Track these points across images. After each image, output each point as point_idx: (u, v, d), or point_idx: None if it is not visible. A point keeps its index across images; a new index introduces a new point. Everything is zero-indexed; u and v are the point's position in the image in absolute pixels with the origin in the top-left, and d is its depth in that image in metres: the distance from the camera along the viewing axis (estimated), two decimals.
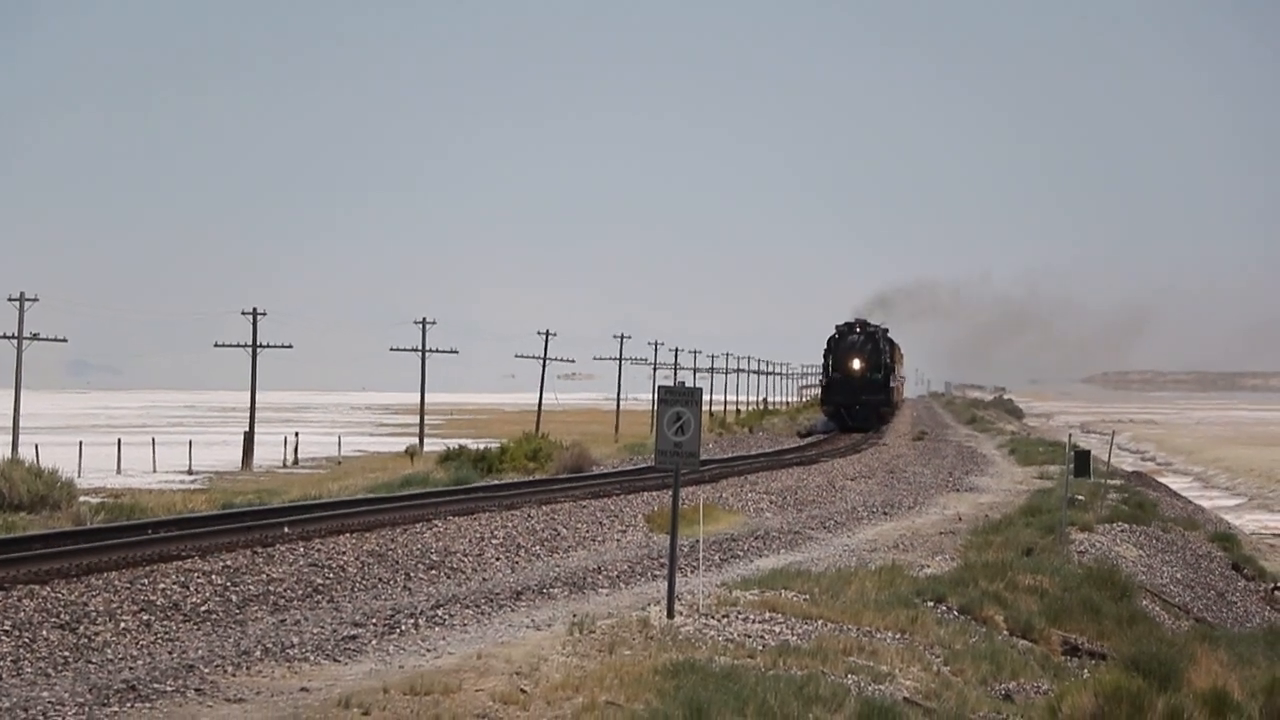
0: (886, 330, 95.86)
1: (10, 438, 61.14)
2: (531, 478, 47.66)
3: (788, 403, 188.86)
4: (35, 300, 63.87)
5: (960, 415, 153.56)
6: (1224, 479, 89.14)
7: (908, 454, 69.53)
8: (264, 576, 23.99)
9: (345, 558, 26.25)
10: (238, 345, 74.94)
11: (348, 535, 28.77)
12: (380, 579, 25.14)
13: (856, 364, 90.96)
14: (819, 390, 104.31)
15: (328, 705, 15.28)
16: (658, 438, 20.67)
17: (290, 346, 77.50)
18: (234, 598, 22.38)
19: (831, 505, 42.40)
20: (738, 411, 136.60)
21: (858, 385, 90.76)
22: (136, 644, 19.27)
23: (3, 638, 18.85)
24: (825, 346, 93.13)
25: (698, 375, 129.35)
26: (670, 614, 20.40)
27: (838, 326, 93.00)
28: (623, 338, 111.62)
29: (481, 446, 58.10)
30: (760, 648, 18.89)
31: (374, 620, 20.77)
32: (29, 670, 17.53)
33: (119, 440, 74.94)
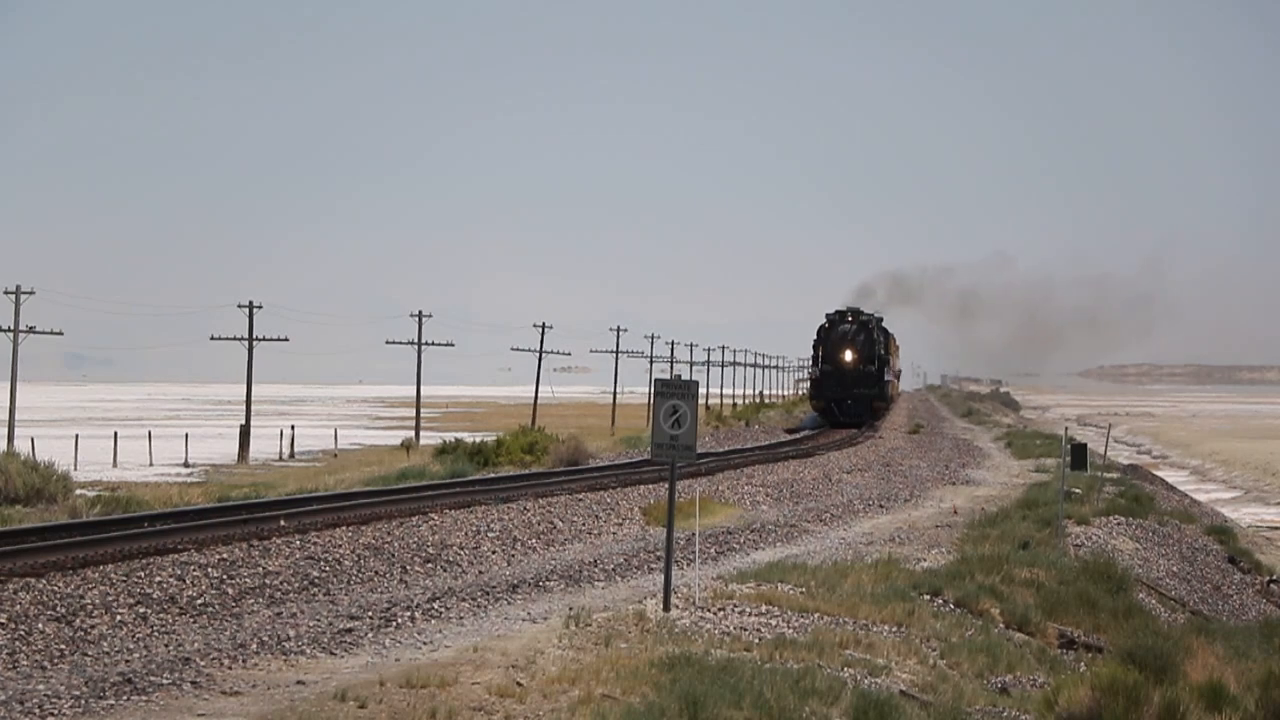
0: (881, 319, 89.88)
1: (6, 430, 61.09)
2: (528, 471, 47.64)
3: (784, 396, 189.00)
4: (31, 293, 63.80)
5: (957, 408, 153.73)
6: (1220, 472, 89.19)
7: (904, 447, 69.54)
8: (260, 569, 23.99)
9: (341, 551, 26.24)
10: (234, 338, 74.90)
11: (344, 528, 28.76)
12: (376, 572, 25.14)
13: (848, 355, 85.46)
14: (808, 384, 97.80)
15: (324, 698, 15.27)
16: (654, 431, 20.67)
17: (286, 339, 77.47)
18: (230, 591, 22.37)
19: (827, 498, 42.41)
20: (734, 404, 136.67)
21: (849, 378, 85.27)
22: (132, 637, 19.26)
23: None
24: (815, 337, 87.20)
25: (694, 368, 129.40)
26: (666, 607, 20.40)
27: (828, 315, 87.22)
28: (619, 330, 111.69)
29: (478, 439, 58.08)
30: (756, 641, 18.90)
31: (370, 613, 20.76)
32: (25, 663, 17.52)
33: (115, 433, 74.88)
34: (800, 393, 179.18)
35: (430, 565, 26.28)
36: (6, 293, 63.21)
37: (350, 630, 19.47)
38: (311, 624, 20.05)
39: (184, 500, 37.87)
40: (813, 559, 27.57)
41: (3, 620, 19.25)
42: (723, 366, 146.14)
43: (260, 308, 74.74)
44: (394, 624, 20.04)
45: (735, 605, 21.15)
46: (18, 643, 18.36)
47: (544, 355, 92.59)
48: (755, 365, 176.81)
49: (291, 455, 74.98)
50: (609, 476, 42.87)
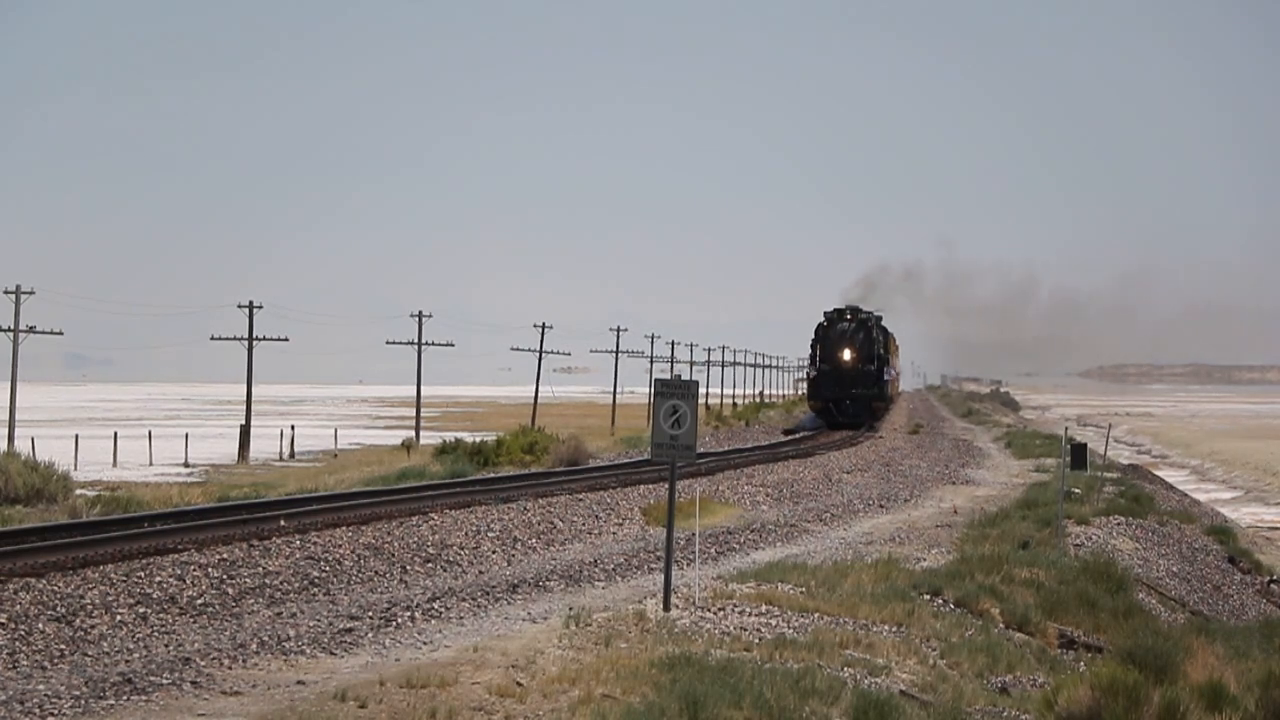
0: (880, 318, 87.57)
1: (7, 431, 61.09)
2: (528, 471, 47.65)
3: (784, 396, 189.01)
4: (31, 293, 63.78)
5: (956, 408, 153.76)
6: (1220, 472, 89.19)
7: (904, 447, 69.52)
8: (260, 569, 23.98)
9: (341, 551, 26.24)
10: (234, 338, 74.91)
11: (344, 528, 28.76)
12: (376, 572, 25.14)
13: (847, 354, 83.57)
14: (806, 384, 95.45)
15: (324, 698, 15.27)
16: (654, 431, 20.66)
17: (286, 339, 77.49)
18: (230, 590, 22.37)
19: (827, 498, 42.41)
20: (734, 404, 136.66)
21: (848, 378, 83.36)
22: (132, 637, 19.26)
23: None
24: (813, 336, 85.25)
25: (694, 368, 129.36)
26: (666, 607, 20.40)
27: (826, 313, 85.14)
28: (619, 330, 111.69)
29: (478, 439, 58.08)
30: (756, 641, 18.90)
31: (370, 613, 20.76)
32: (25, 663, 17.52)
33: (115, 433, 74.85)
34: (800, 392, 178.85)
35: (430, 565, 26.28)
36: (6, 293, 63.20)
37: (350, 630, 19.48)
38: (311, 624, 20.05)
39: (184, 500, 37.86)
40: (813, 559, 27.57)
41: (3, 620, 19.25)
42: (723, 366, 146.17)
43: (260, 308, 74.75)
44: (394, 624, 20.04)
45: (735, 605, 21.15)
46: (18, 643, 18.37)
47: (544, 355, 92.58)
48: (755, 365, 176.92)
49: (291, 455, 74.95)
50: (609, 476, 42.88)
